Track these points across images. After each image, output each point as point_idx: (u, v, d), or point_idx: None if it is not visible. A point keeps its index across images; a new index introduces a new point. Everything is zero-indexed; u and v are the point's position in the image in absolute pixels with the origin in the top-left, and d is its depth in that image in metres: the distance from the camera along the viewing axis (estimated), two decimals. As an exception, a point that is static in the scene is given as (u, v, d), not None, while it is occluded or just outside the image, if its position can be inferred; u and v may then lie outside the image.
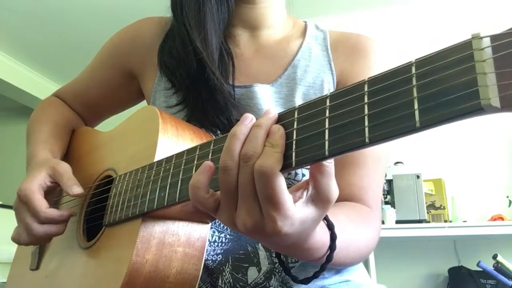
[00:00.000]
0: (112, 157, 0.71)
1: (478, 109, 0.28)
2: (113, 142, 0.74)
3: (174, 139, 0.60)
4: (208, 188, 0.42)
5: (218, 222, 0.66)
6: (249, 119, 0.41)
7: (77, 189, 0.63)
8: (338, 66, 0.75)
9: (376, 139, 0.33)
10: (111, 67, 0.85)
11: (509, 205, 2.54)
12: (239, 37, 0.77)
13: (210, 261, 0.65)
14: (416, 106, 0.31)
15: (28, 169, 0.71)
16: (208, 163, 0.42)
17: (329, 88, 0.73)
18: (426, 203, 2.44)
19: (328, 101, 0.37)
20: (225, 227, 0.67)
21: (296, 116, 0.39)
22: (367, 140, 0.33)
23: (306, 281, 0.53)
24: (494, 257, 2.16)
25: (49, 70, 4.03)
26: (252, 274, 0.66)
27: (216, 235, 0.67)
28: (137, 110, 0.68)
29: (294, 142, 0.39)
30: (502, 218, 2.43)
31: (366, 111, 0.34)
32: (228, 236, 0.67)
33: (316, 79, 0.74)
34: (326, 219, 0.48)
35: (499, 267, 2.14)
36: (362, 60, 0.74)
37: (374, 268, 2.35)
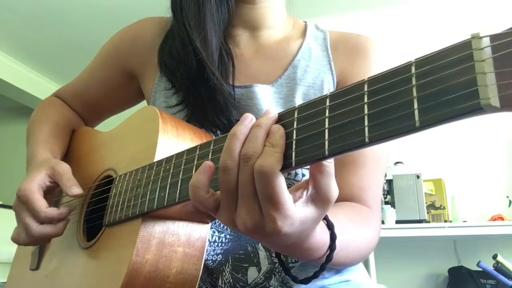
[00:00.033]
0: (112, 157, 0.71)
1: (478, 109, 0.28)
2: (113, 142, 0.74)
3: (174, 139, 0.60)
4: (208, 188, 0.42)
5: (218, 222, 0.67)
6: (249, 119, 0.41)
7: (76, 190, 0.63)
8: (338, 66, 0.75)
9: (376, 139, 0.33)
10: (111, 67, 0.85)
11: (509, 205, 2.54)
12: (239, 37, 0.77)
13: (210, 261, 0.65)
14: (415, 105, 0.31)
15: (28, 169, 0.71)
16: (208, 163, 0.42)
17: (329, 88, 0.73)
18: (426, 203, 2.44)
19: (328, 101, 0.38)
20: (225, 227, 0.67)
21: (296, 116, 0.39)
22: (366, 139, 0.33)
23: (306, 281, 0.53)
24: (494, 257, 2.16)
25: (49, 70, 4.03)
26: (252, 274, 0.66)
27: (216, 235, 0.67)
28: (137, 110, 0.68)
29: (294, 142, 0.39)
30: (502, 218, 2.43)
31: (365, 111, 0.34)
32: (228, 236, 0.67)
33: (316, 79, 0.74)
34: (326, 219, 0.48)
35: (499, 267, 2.14)
36: (362, 60, 0.75)
37: (374, 268, 2.35)
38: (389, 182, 2.50)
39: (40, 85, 4.08)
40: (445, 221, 2.47)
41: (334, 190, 0.40)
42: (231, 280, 0.65)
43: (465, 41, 0.29)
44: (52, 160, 0.71)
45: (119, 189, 0.61)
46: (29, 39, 3.47)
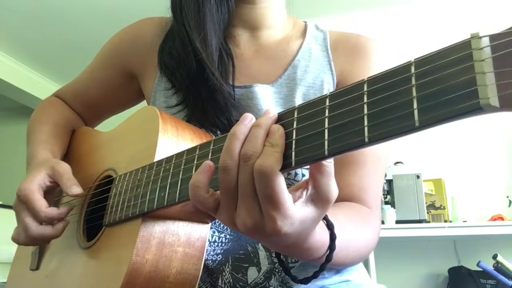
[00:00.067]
0: (112, 157, 0.71)
1: (477, 109, 0.28)
2: (113, 142, 0.74)
3: (174, 139, 0.60)
4: (208, 188, 0.42)
5: (218, 222, 0.67)
6: (248, 119, 0.41)
7: (76, 189, 0.63)
8: (338, 67, 0.75)
9: (376, 139, 0.33)
10: (111, 67, 0.85)
11: (509, 205, 2.54)
12: (239, 38, 0.77)
13: (210, 261, 0.65)
14: (415, 105, 0.31)
15: (28, 169, 0.71)
16: (208, 163, 0.42)
17: (329, 88, 0.73)
18: (426, 203, 2.44)
19: (327, 100, 0.38)
20: (225, 227, 0.67)
21: (295, 115, 0.40)
22: (366, 139, 0.33)
23: (306, 281, 0.53)
24: (494, 257, 2.16)
25: (49, 70, 4.03)
26: (252, 274, 0.66)
27: (216, 235, 0.67)
28: (137, 110, 0.68)
29: (293, 141, 0.39)
30: (502, 218, 2.43)
31: (365, 111, 0.34)
32: (228, 236, 0.67)
33: (316, 79, 0.74)
34: (325, 219, 0.48)
35: (499, 267, 2.14)
36: (362, 60, 0.75)
37: (374, 268, 2.35)
38: (389, 182, 2.50)
39: (40, 85, 4.08)
40: (445, 221, 2.47)
41: (333, 190, 0.40)
42: (231, 280, 0.65)
43: (464, 41, 0.29)
44: (52, 160, 0.71)
45: (119, 189, 0.61)
46: (29, 39, 3.47)
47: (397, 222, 2.38)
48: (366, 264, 2.31)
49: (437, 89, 0.30)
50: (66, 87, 0.95)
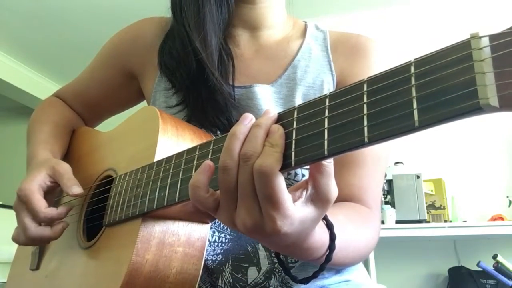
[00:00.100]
0: (112, 157, 0.71)
1: (477, 109, 0.28)
2: (113, 142, 0.74)
3: (174, 139, 0.60)
4: (208, 188, 0.42)
5: (218, 222, 0.67)
6: (248, 118, 0.41)
7: (77, 189, 0.63)
8: (338, 67, 0.75)
9: (375, 139, 0.33)
10: (111, 67, 0.85)
11: (509, 205, 2.54)
12: (239, 38, 0.77)
13: (210, 261, 0.65)
14: (415, 105, 0.31)
15: (28, 169, 0.71)
16: (208, 163, 0.42)
17: (329, 88, 0.73)
18: (426, 203, 2.44)
19: (327, 100, 0.38)
20: (225, 227, 0.67)
21: (295, 115, 0.40)
22: (366, 139, 0.33)
23: (306, 281, 0.53)
24: (494, 257, 2.16)
25: (49, 70, 4.03)
26: (252, 274, 0.66)
27: (216, 235, 0.67)
28: (137, 110, 0.69)
29: (293, 141, 0.39)
30: (502, 218, 2.43)
31: (365, 111, 0.34)
32: (228, 236, 0.67)
33: (316, 79, 0.74)
34: (325, 219, 0.48)
35: (499, 267, 2.14)
36: (362, 60, 0.75)
37: (374, 268, 2.35)
38: (389, 182, 2.51)
39: (40, 85, 4.08)
40: (445, 221, 2.47)
41: (333, 190, 0.40)
42: (231, 280, 0.65)
43: (464, 41, 0.29)
44: (52, 160, 0.71)
45: (119, 189, 0.61)
46: (29, 39, 3.47)
47: (397, 222, 2.38)
48: (366, 264, 2.31)
49: (437, 89, 0.30)
50: (66, 87, 0.95)
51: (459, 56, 0.29)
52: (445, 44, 0.31)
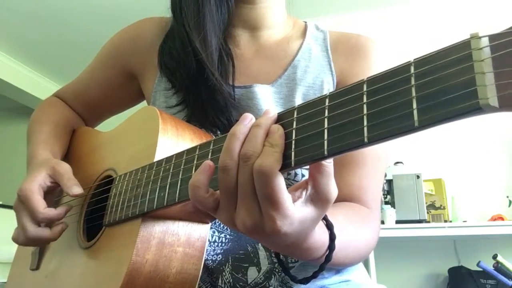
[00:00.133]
0: (112, 157, 0.71)
1: (477, 109, 0.28)
2: (113, 142, 0.74)
3: (174, 139, 0.60)
4: (207, 188, 0.43)
5: (218, 222, 0.67)
6: (248, 118, 0.41)
7: (77, 190, 0.63)
8: (338, 67, 0.75)
9: (375, 139, 0.33)
10: (111, 67, 0.85)
11: (509, 205, 2.54)
12: (239, 38, 0.77)
13: (210, 261, 0.65)
14: (414, 105, 0.31)
15: (29, 169, 0.71)
16: (208, 162, 0.42)
17: (329, 88, 0.73)
18: (426, 203, 2.44)
19: (327, 100, 0.38)
20: (225, 227, 0.67)
21: (295, 115, 0.40)
22: (366, 139, 0.33)
23: (305, 281, 0.53)
24: (494, 257, 2.16)
25: (49, 70, 4.03)
26: (252, 274, 0.66)
27: (216, 235, 0.67)
28: (137, 111, 0.69)
29: (293, 141, 0.39)
30: (502, 218, 2.43)
31: (365, 111, 0.34)
32: (228, 236, 0.67)
33: (316, 79, 0.74)
34: (325, 219, 0.48)
35: (499, 267, 2.14)
36: (362, 60, 0.75)
37: (374, 268, 2.35)
38: (389, 182, 2.51)
39: (40, 85, 4.08)
40: (445, 221, 2.47)
41: (333, 190, 0.40)
42: (231, 280, 0.65)
43: (464, 41, 0.29)
44: (52, 160, 0.71)
45: (119, 189, 0.62)
46: (29, 39, 3.47)
47: (397, 222, 2.38)
48: (366, 264, 2.31)
49: (437, 89, 0.30)
50: (66, 87, 0.95)
51: (459, 56, 0.29)
52: (445, 44, 0.31)
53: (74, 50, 3.51)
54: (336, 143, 0.35)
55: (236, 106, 0.70)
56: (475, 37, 0.29)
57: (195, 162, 0.49)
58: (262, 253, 0.66)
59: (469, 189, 2.62)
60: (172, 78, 0.73)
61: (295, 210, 0.39)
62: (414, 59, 0.32)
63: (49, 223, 0.64)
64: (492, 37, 0.28)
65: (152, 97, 0.77)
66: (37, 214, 0.62)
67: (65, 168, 0.66)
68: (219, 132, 0.69)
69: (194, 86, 0.70)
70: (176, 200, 0.49)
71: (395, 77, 0.33)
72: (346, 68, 0.75)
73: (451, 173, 2.66)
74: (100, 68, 0.87)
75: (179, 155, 0.52)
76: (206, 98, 0.69)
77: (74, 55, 3.39)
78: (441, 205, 2.53)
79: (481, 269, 2.23)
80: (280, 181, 0.38)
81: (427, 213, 2.44)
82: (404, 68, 0.33)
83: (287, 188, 0.39)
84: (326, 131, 0.36)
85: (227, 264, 0.66)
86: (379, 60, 0.75)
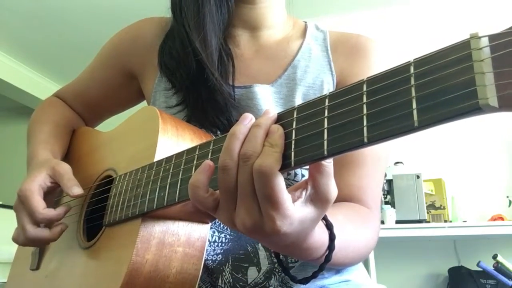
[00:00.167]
0: (112, 157, 0.71)
1: (476, 109, 0.28)
2: (113, 142, 0.74)
3: (174, 139, 0.60)
4: (207, 188, 0.43)
5: (218, 222, 0.67)
6: (248, 118, 0.41)
7: (77, 190, 0.63)
8: (338, 67, 0.75)
9: (375, 139, 0.33)
10: (111, 67, 0.85)
11: (509, 205, 2.54)
12: (239, 38, 0.78)
13: (210, 261, 0.65)
14: (414, 105, 0.31)
15: (29, 170, 0.71)
16: (208, 162, 0.42)
17: (328, 88, 0.73)
18: (426, 203, 2.44)
19: (327, 100, 0.38)
20: (225, 227, 0.67)
21: (295, 116, 0.40)
22: (365, 139, 0.33)
23: (305, 281, 0.53)
24: (494, 257, 2.16)
25: (49, 70, 4.03)
26: (252, 274, 0.66)
27: (216, 235, 0.67)
28: (137, 111, 0.69)
29: (293, 141, 0.39)
30: (502, 218, 2.43)
31: (364, 111, 0.34)
32: (228, 236, 0.67)
33: (316, 79, 0.74)
34: (325, 219, 0.48)
35: (499, 267, 2.14)
36: (362, 60, 0.75)
37: (374, 268, 2.35)
38: (389, 182, 2.51)
39: (40, 85, 4.08)
40: (445, 221, 2.47)
41: (333, 190, 0.40)
42: (231, 280, 0.65)
43: (463, 41, 0.29)
44: (52, 160, 0.71)
45: (119, 189, 0.62)
46: (29, 39, 3.47)
47: (397, 222, 2.38)
48: (366, 264, 2.31)
49: (436, 89, 0.30)
50: (66, 87, 0.95)
51: (458, 56, 0.29)
52: (445, 44, 0.31)
53: (74, 50, 3.51)
54: (336, 143, 0.35)
55: (236, 106, 0.70)
56: (475, 37, 0.29)
57: (195, 162, 0.49)
58: (262, 253, 0.67)
59: (469, 189, 2.62)
60: (172, 78, 0.73)
61: (294, 210, 0.39)
62: (414, 59, 0.32)
63: (49, 223, 0.64)
64: (492, 37, 0.28)
65: (152, 97, 0.77)
66: (36, 215, 0.62)
67: (65, 169, 0.66)
68: (219, 132, 0.69)
69: (194, 86, 0.70)
70: (176, 200, 0.49)
71: (395, 77, 0.33)
72: (346, 68, 0.75)
73: (451, 173, 2.66)
74: (100, 68, 0.87)
75: (179, 155, 0.52)
76: (206, 98, 0.69)
77: (74, 55, 3.39)
78: (441, 205, 2.53)
79: (481, 269, 2.23)
80: (280, 181, 0.38)
81: (427, 213, 2.44)
82: (404, 68, 0.33)
83: (287, 188, 0.39)
84: (326, 131, 0.36)
85: (227, 264, 0.66)
86: (379, 60, 0.75)
